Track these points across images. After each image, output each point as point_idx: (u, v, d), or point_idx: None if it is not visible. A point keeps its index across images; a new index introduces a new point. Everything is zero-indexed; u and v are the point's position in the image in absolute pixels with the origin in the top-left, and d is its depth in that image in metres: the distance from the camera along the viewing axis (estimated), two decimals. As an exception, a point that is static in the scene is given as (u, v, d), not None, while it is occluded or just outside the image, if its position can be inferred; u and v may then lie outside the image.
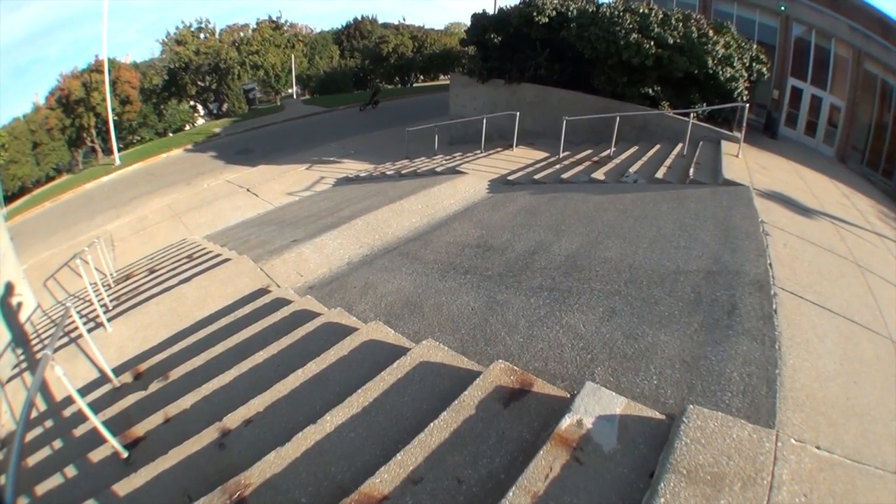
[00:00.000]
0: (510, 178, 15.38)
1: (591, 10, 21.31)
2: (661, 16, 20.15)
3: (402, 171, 18.77)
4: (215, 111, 54.95)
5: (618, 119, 17.07)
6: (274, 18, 57.72)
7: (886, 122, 27.66)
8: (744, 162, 14.83)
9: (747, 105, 17.20)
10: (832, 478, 4.11)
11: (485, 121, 20.08)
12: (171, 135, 47.18)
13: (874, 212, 16.71)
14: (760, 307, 6.50)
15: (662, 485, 3.56)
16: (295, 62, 57.69)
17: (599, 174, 14.34)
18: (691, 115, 16.68)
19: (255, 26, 56.52)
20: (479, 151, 19.73)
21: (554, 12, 21.74)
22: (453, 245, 10.35)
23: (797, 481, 3.85)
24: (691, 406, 4.21)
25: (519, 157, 18.19)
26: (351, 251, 10.85)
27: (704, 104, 19.08)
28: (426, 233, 11.47)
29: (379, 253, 10.70)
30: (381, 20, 74.29)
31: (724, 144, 16.22)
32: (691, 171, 13.18)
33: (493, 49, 23.39)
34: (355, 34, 70.53)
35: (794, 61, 28.60)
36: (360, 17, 72.35)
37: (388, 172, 19.50)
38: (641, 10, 20.53)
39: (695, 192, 11.82)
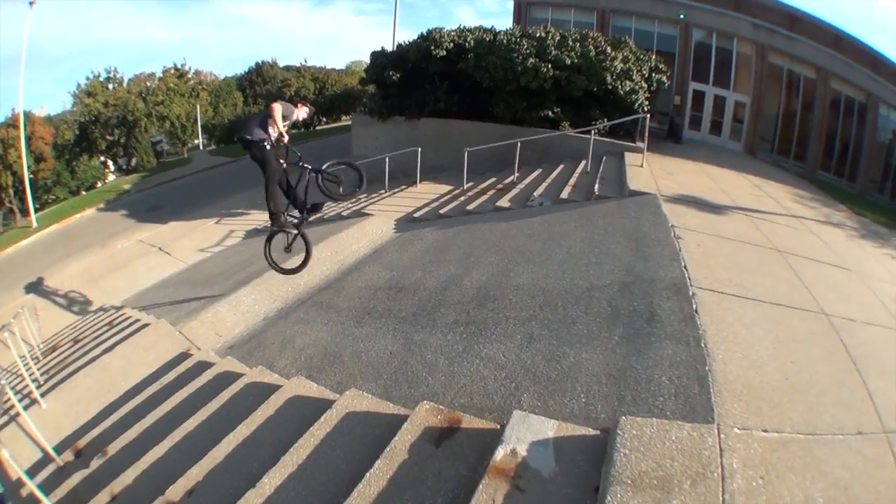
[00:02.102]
0: (416, 215, 15.32)
1: (488, 38, 21.53)
2: (557, 38, 20.52)
3: (310, 219, 18.47)
4: (125, 166, 53.70)
5: (518, 144, 17.08)
6: (178, 66, 56.92)
7: (795, 109, 29.40)
8: (649, 171, 15.10)
9: (648, 115, 17.45)
10: (787, 455, 4.27)
11: (387, 159, 19.78)
12: (84, 193, 45.62)
13: (789, 196, 17.30)
14: (680, 310, 6.56)
15: (609, 497, 3.58)
16: (200, 112, 56.90)
17: (504, 201, 14.40)
18: (592, 132, 16.88)
19: (161, 75, 55.69)
20: (384, 191, 19.60)
21: (451, 44, 21.84)
22: (365, 289, 10.28)
23: (750, 466, 3.96)
24: (624, 417, 4.25)
25: (424, 193, 18.18)
26: (266, 306, 10.71)
27: (605, 119, 19.30)
28: (337, 279, 11.38)
29: (293, 305, 10.58)
30: (283, 63, 73.67)
31: (628, 156, 16.54)
32: (596, 186, 13.33)
33: (392, 86, 23.36)
34: (258, 79, 69.79)
35: (695, 66, 29.67)
36: (261, 62, 71.74)
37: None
38: (538, 35, 20.88)
39: (601, 207, 11.92)
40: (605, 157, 17.08)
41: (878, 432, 5.08)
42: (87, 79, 50.88)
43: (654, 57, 22.77)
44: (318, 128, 63.63)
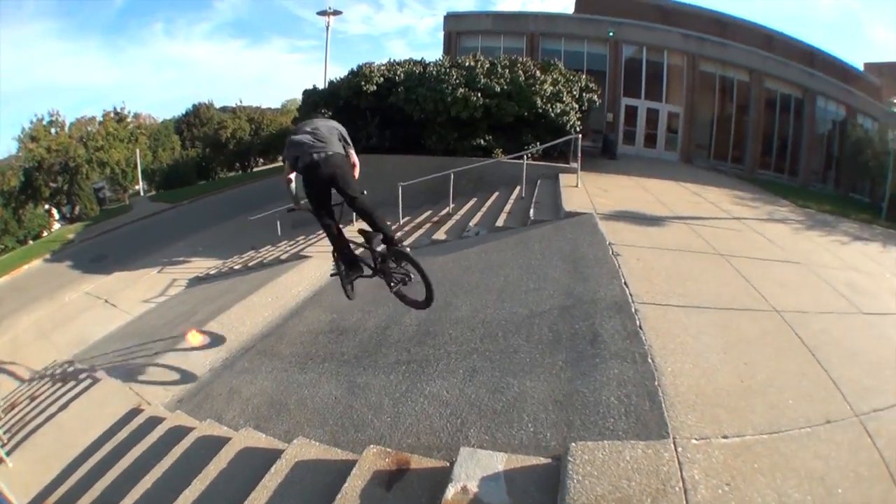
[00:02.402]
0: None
1: (418, 71, 21.63)
2: (487, 66, 20.72)
3: (250, 264, 18.30)
4: (68, 214, 52.10)
5: (452, 175, 16.97)
6: (118, 110, 55.60)
7: (729, 113, 30.71)
8: (584, 190, 15.29)
9: (580, 135, 17.66)
10: (753, 458, 4.27)
11: None
12: (31, 242, 44.71)
13: (728, 199, 17.65)
14: (624, 328, 6.55)
15: (567, 524, 3.48)
16: (140, 157, 55.68)
17: (440, 234, 14.49)
18: (525, 156, 17.02)
19: (101, 118, 54.34)
20: (321, 232, 19.01)
21: (381, 79, 21.86)
22: (307, 334, 10.06)
23: (713, 475, 3.96)
24: (574, 443, 4.20)
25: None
26: (211, 356, 10.37)
27: (538, 143, 19.45)
28: (280, 325, 11.12)
29: (237, 354, 10.28)
30: (219, 104, 71.97)
31: (563, 177, 16.68)
32: (531, 211, 13.48)
33: None
34: (195, 122, 68.30)
35: (627, 81, 30.26)
36: (198, 104, 70.17)
37: (236, 267, 19.00)
38: (468, 64, 21.04)
39: (537, 231, 11.98)
40: (539, 181, 17.21)
41: (848, 417, 5.13)
42: (31, 122, 49.70)
43: (584, 77, 23.08)
44: (254, 170, 62.94)
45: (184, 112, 71.03)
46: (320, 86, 25.48)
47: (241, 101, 71.75)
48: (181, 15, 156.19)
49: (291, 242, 19.46)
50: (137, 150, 55.39)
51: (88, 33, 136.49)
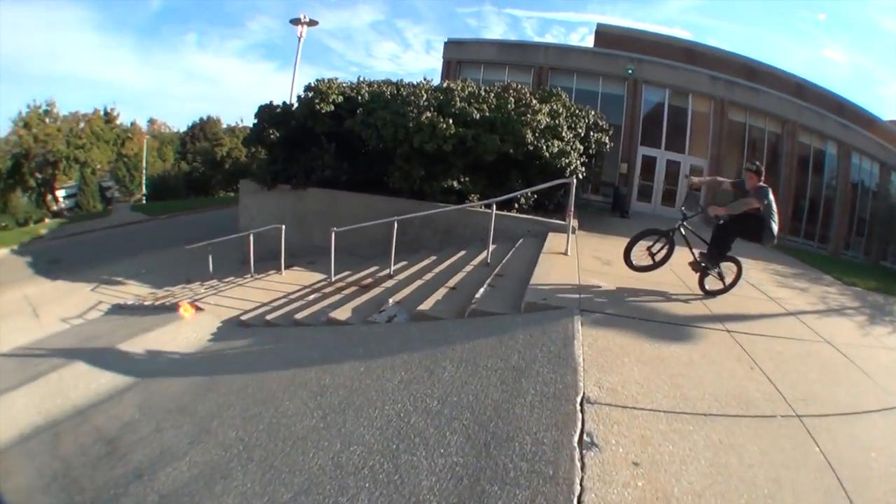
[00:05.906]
0: (244, 317, 11.25)
1: (389, 92, 17.84)
2: (469, 89, 16.85)
3: (156, 304, 14.62)
4: (66, 207, 51.73)
5: (395, 224, 12.54)
6: (108, 109, 54.22)
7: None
8: (574, 261, 10.37)
9: (574, 178, 12.32)
10: None
11: (251, 237, 15.93)
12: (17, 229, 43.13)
13: (769, 276, 12.98)
14: None
15: None
16: (149, 162, 56.12)
17: (344, 311, 9.85)
18: (494, 205, 11.91)
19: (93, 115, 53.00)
20: (249, 275, 15.57)
21: (340, 98, 18.22)
22: (85, 446, 6.03)
23: None
24: None
25: (282, 284, 13.99)
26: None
27: (529, 191, 14.87)
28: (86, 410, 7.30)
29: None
30: (227, 122, 71.33)
31: (552, 239, 12.30)
32: (480, 291, 8.62)
33: (277, 148, 19.43)
34: (200, 135, 67.08)
35: (645, 128, 27.42)
36: (206, 117, 68.91)
37: (147, 303, 15.37)
38: (447, 85, 17.33)
39: (468, 339, 6.63)
40: (521, 240, 12.95)
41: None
42: (28, 107, 48.38)
43: (592, 112, 19.04)
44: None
45: (190, 124, 70.42)
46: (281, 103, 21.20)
47: (241, 121, 70.36)
48: (214, 29, 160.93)
49: (217, 282, 15.98)
50: (145, 155, 57.25)
51: (124, 30, 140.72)
